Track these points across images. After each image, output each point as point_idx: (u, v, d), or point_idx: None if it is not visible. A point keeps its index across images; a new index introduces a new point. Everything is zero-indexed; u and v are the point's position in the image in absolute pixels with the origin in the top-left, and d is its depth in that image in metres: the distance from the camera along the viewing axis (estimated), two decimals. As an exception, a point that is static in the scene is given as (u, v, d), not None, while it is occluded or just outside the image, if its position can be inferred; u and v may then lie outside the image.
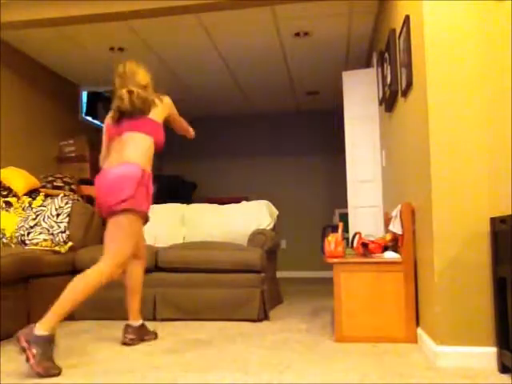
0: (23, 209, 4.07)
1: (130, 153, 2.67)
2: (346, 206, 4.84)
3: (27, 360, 2.25)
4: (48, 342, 2.31)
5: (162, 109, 2.86)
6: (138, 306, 3.03)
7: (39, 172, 4.83)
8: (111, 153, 2.76)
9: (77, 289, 2.44)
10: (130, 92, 2.76)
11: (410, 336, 2.85)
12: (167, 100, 2.91)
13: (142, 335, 3.01)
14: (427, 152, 2.49)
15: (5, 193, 4.20)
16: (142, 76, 2.86)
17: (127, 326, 2.98)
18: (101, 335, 3.23)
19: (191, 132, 3.20)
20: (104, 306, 3.78)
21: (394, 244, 3.13)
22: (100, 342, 3.01)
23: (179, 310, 3.75)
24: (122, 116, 2.79)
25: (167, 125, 2.98)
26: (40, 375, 2.24)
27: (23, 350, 2.26)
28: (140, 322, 3.02)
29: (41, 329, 2.31)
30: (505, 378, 2.19)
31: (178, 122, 3.08)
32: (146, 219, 2.75)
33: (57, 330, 2.39)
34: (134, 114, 2.76)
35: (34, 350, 2.25)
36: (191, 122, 3.19)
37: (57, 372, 2.29)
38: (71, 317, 3.73)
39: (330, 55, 5.57)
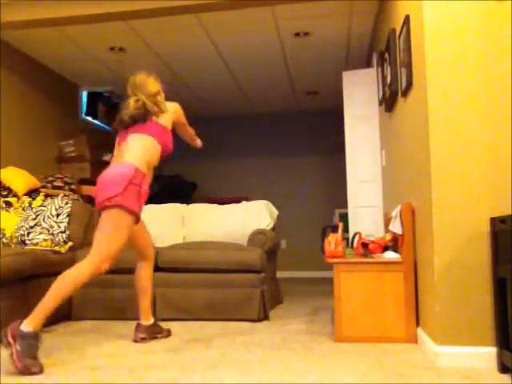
0: (23, 209, 4.07)
1: (129, 153, 2.76)
2: (346, 206, 4.84)
3: (10, 355, 2.29)
4: (32, 339, 2.34)
5: (169, 114, 2.96)
6: (149, 306, 3.09)
7: (39, 172, 4.83)
8: (116, 155, 2.88)
9: (64, 284, 2.47)
10: (137, 100, 2.88)
11: (410, 336, 2.85)
12: (175, 105, 3.02)
13: (153, 333, 3.07)
14: (427, 152, 2.49)
15: (5, 193, 4.19)
16: (152, 84, 2.96)
17: (138, 325, 3.05)
18: (101, 335, 3.23)
19: (198, 142, 3.30)
20: (106, 305, 3.78)
21: (394, 244, 3.13)
22: (100, 342, 3.01)
23: (179, 309, 3.75)
24: (130, 123, 2.89)
25: (175, 131, 3.09)
26: (20, 372, 2.27)
27: (9, 344, 2.30)
28: (151, 321, 3.08)
29: (27, 325, 2.35)
30: (505, 377, 2.19)
31: (183, 130, 3.17)
32: (136, 219, 2.73)
33: (46, 328, 2.47)
34: (140, 120, 2.87)
35: (18, 347, 2.29)
36: (191, 123, 3.22)
37: (37, 370, 2.30)
38: (75, 317, 3.75)
39: (329, 55, 5.57)
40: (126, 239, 2.66)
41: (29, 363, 2.29)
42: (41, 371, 2.31)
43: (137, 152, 2.77)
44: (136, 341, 2.99)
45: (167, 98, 3.04)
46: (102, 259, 2.57)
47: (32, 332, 2.35)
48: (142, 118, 2.87)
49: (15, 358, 2.27)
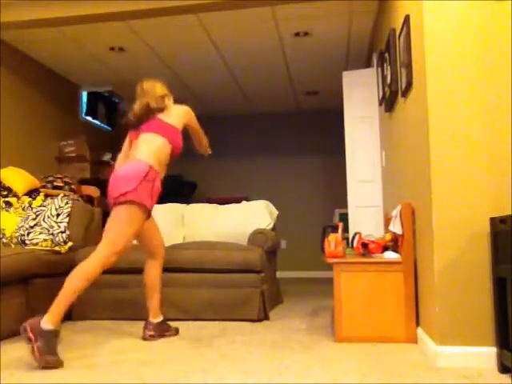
0: (23, 209, 4.06)
1: (141, 151, 2.88)
2: (346, 206, 4.84)
3: (32, 350, 2.36)
4: (53, 336, 2.42)
5: (180, 116, 3.04)
6: (158, 304, 3.15)
7: (39, 172, 4.83)
8: (130, 153, 2.98)
9: (76, 278, 2.55)
10: (141, 103, 3.02)
11: (409, 336, 2.85)
12: (185, 108, 3.11)
13: (162, 331, 3.13)
14: (427, 152, 2.49)
15: (5, 193, 4.20)
16: (159, 88, 3.08)
17: (147, 323, 3.11)
18: (101, 335, 3.23)
19: (207, 148, 3.36)
20: (107, 305, 3.78)
21: (394, 244, 3.13)
22: (100, 342, 3.01)
23: (179, 309, 3.75)
24: (135, 122, 3.02)
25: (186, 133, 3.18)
26: (41, 367, 2.37)
27: (29, 340, 2.37)
28: (160, 318, 3.14)
29: (47, 322, 2.42)
30: (505, 377, 2.19)
31: (196, 134, 3.25)
32: (148, 214, 2.85)
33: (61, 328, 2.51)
34: (143, 118, 2.99)
35: (39, 343, 2.36)
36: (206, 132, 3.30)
37: (58, 366, 2.40)
38: (76, 317, 3.75)
39: (329, 55, 5.57)
40: (136, 234, 2.78)
41: (50, 359, 2.38)
42: (61, 366, 2.41)
43: (149, 150, 2.86)
44: (145, 338, 3.04)
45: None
46: (113, 251, 2.64)
47: (52, 329, 2.42)
48: (145, 116, 2.98)
49: (36, 354, 2.35)
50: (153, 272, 3.13)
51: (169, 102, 3.10)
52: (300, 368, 2.39)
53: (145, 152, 2.86)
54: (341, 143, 5.10)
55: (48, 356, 2.37)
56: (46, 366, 2.37)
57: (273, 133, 8.01)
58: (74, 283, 2.54)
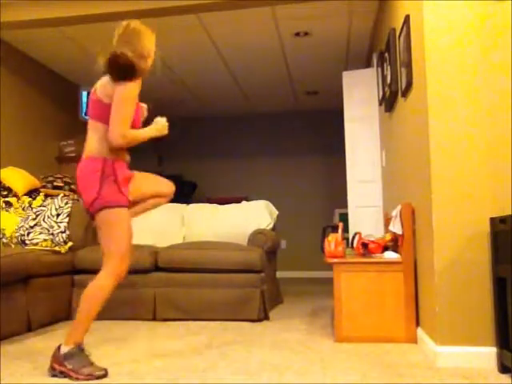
0: (23, 209, 4.06)
1: (87, 144, 2.49)
2: (346, 206, 4.84)
3: (70, 377, 2.23)
4: (78, 353, 2.28)
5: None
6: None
7: (39, 172, 4.83)
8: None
9: (90, 300, 2.37)
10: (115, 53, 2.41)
11: (409, 336, 2.85)
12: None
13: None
14: (427, 152, 2.49)
15: (5, 193, 4.19)
16: (149, 39, 2.45)
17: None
18: (100, 335, 3.22)
19: (112, 136, 2.34)
20: (105, 306, 3.77)
21: (394, 244, 3.13)
22: (99, 343, 3.01)
23: (179, 309, 3.75)
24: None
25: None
26: (88, 380, 2.22)
27: (61, 372, 2.25)
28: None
29: (65, 345, 2.29)
30: (505, 377, 2.19)
31: (111, 114, 2.35)
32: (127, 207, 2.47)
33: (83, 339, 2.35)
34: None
35: (69, 365, 2.24)
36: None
37: (102, 373, 2.26)
38: (75, 317, 3.74)
39: (329, 55, 5.57)
40: (129, 232, 2.44)
41: (89, 371, 2.24)
42: (106, 373, 2.26)
43: (93, 142, 2.45)
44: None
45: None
46: (118, 263, 2.39)
47: (73, 348, 2.28)
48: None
49: (73, 375, 2.22)
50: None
51: (146, 65, 2.44)
52: (300, 368, 2.38)
53: (91, 144, 2.46)
54: (341, 143, 5.10)
55: (84, 369, 2.23)
56: (89, 379, 2.21)
57: (273, 133, 8.00)
58: (88, 310, 2.36)
